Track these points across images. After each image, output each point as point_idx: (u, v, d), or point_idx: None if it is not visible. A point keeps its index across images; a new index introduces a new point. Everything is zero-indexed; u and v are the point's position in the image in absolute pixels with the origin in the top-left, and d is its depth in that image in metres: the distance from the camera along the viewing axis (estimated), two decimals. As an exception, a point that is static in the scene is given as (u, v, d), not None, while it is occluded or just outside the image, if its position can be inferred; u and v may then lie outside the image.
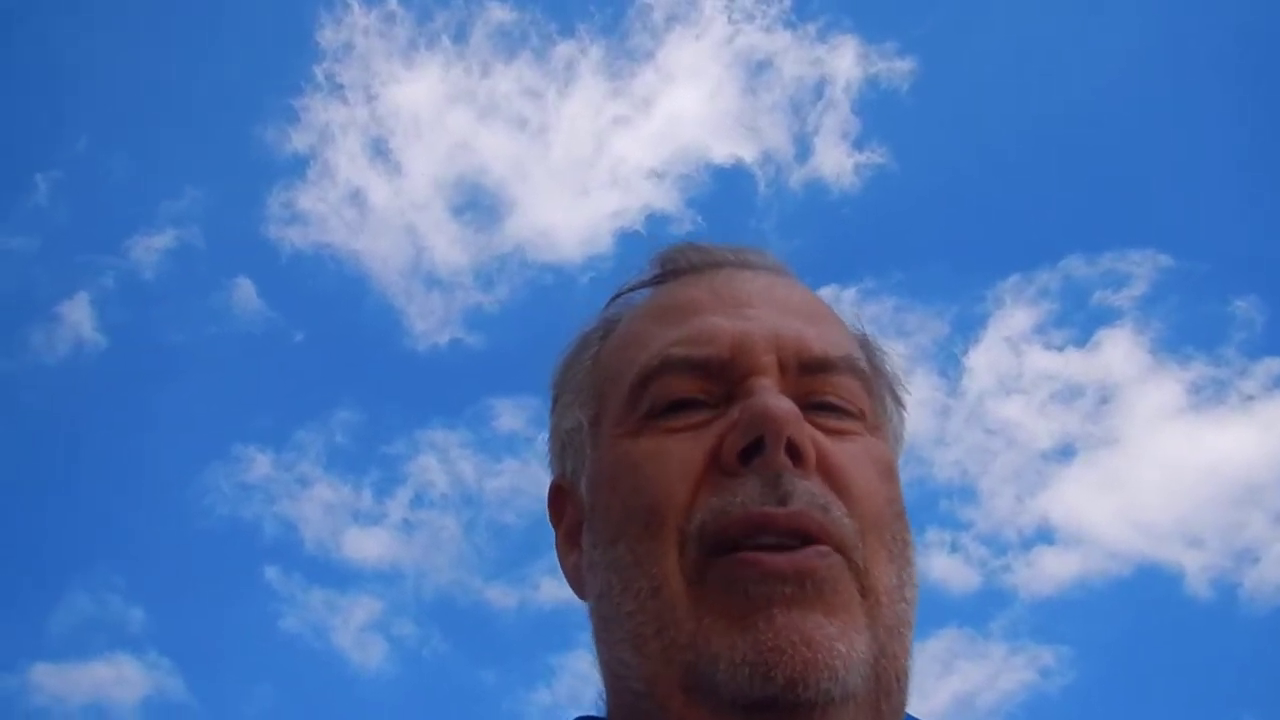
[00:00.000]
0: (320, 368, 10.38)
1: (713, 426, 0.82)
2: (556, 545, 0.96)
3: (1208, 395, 9.05)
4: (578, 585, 0.91)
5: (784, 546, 0.77)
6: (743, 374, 0.83)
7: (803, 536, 0.77)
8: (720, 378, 0.84)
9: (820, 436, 0.82)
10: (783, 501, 0.77)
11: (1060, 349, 9.44)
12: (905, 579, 0.82)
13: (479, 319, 9.94)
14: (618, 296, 0.99)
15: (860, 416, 0.86)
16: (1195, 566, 8.65)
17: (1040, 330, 9.39)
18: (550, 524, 0.97)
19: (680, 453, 0.81)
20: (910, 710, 0.82)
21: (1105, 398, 9.24)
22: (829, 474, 0.80)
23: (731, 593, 0.75)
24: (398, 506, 9.60)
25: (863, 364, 0.89)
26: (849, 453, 0.83)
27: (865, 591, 0.78)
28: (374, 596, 9.40)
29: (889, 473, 0.86)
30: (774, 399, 0.80)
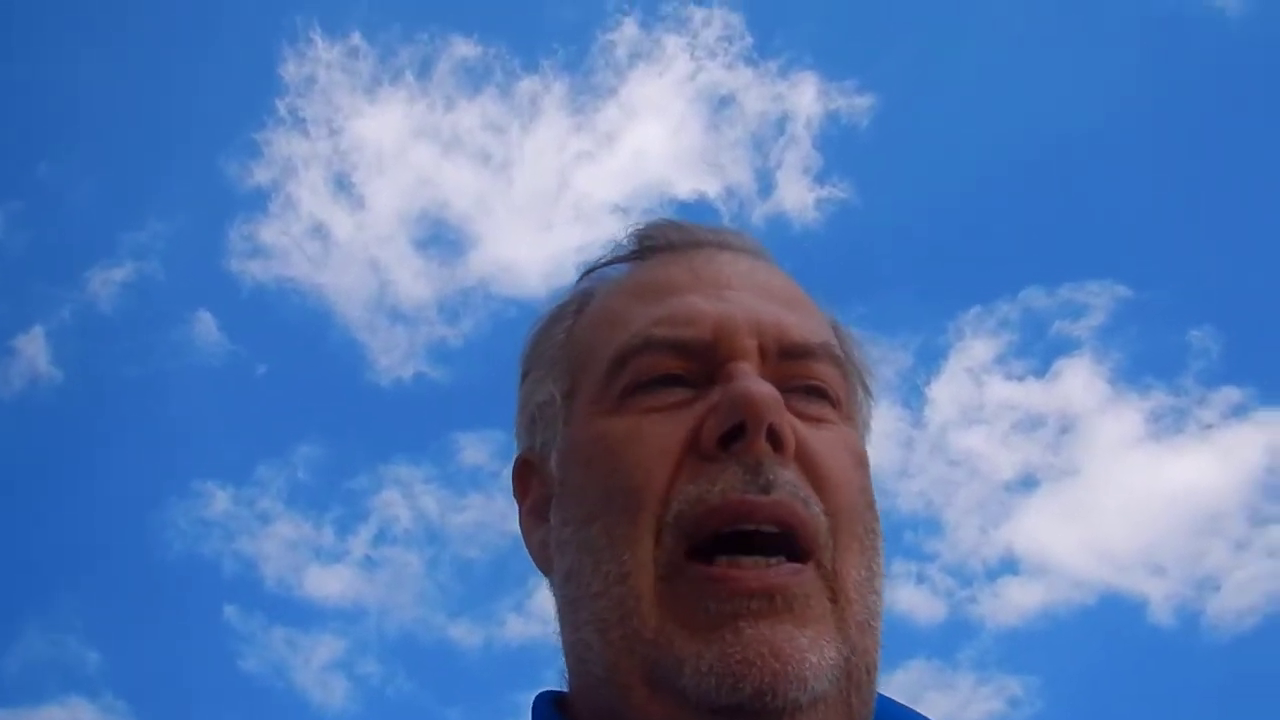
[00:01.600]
0: (282, 402, 10.26)
1: (692, 408, 0.81)
2: (520, 520, 0.95)
3: (1167, 424, 9.17)
4: (543, 561, 0.90)
5: (761, 535, 0.77)
6: (724, 357, 0.83)
7: (782, 527, 0.77)
8: (701, 360, 0.83)
9: (799, 424, 0.81)
10: (765, 490, 0.77)
11: (1020, 379, 9.54)
12: (875, 570, 0.82)
13: (443, 353, 9.88)
14: (592, 270, 0.97)
15: (837, 404, 0.86)
16: (1158, 595, 8.74)
17: (1001, 361, 9.49)
18: (514, 498, 0.96)
19: (658, 435, 0.80)
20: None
21: (1066, 427, 9.34)
22: (806, 462, 0.80)
23: (699, 601, 0.75)
24: (360, 543, 9.48)
25: (839, 351, 0.89)
26: (826, 441, 0.83)
27: (835, 595, 0.78)
28: (336, 635, 9.27)
29: (862, 462, 0.86)
30: (756, 384, 0.79)
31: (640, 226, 0.97)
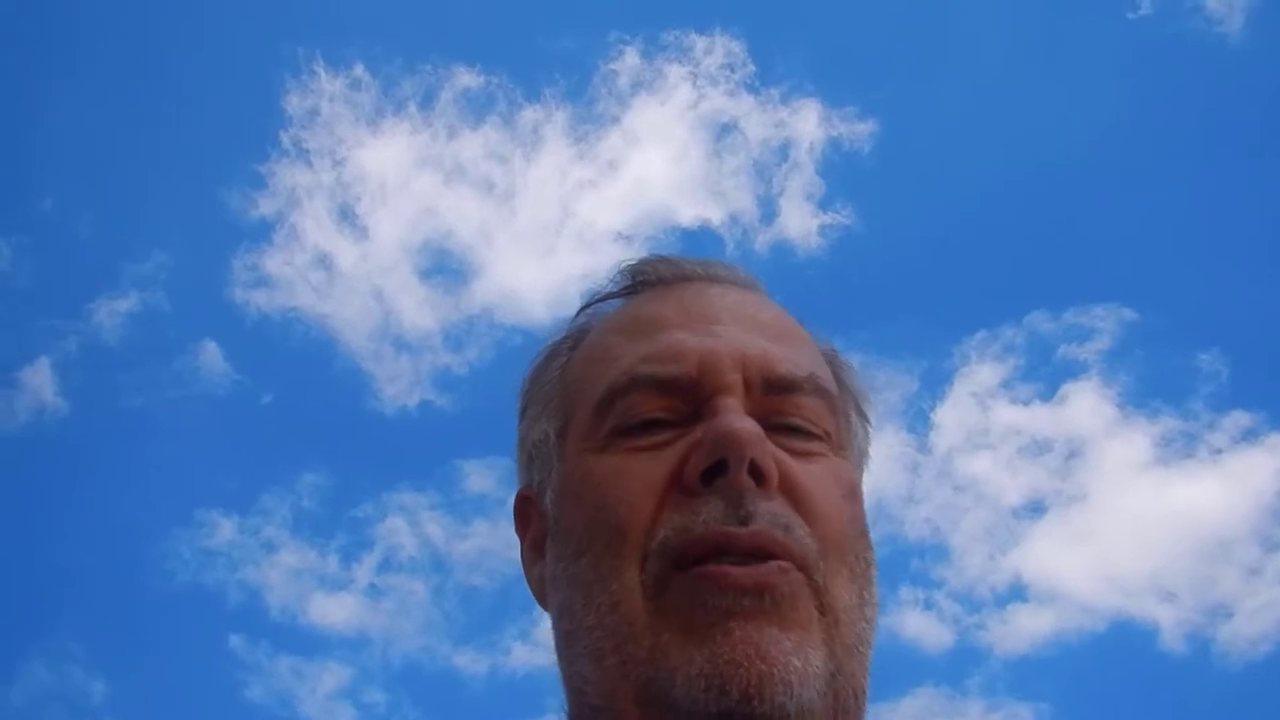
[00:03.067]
0: (287, 431, 10.27)
1: (676, 446, 0.82)
2: (522, 555, 0.96)
3: (1176, 449, 9.11)
4: (542, 597, 0.91)
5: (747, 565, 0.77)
6: (709, 393, 0.83)
7: (764, 556, 0.77)
8: (686, 396, 0.84)
9: (784, 456, 0.82)
10: (744, 522, 0.77)
11: (1026, 403, 9.49)
12: (866, 598, 0.82)
13: (447, 381, 9.89)
14: (586, 306, 0.99)
15: (824, 437, 0.86)
16: (1170, 621, 8.65)
17: (1007, 385, 9.45)
18: (516, 534, 0.98)
19: (643, 472, 0.81)
20: None
21: (1073, 452, 9.28)
22: (792, 494, 0.81)
23: (692, 605, 0.76)
24: (365, 571, 9.47)
25: (827, 383, 0.89)
26: (812, 473, 0.83)
27: (824, 609, 0.78)
28: (342, 663, 9.24)
29: (852, 492, 0.86)
30: (738, 420, 0.80)
31: (633, 262, 0.98)
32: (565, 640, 0.83)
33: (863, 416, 0.97)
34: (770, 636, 0.74)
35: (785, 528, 0.78)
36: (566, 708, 0.86)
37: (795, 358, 0.88)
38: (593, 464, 0.84)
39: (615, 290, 0.98)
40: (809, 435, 0.85)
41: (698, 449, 0.80)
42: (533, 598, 0.94)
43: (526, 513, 0.96)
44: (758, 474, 0.79)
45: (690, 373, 0.84)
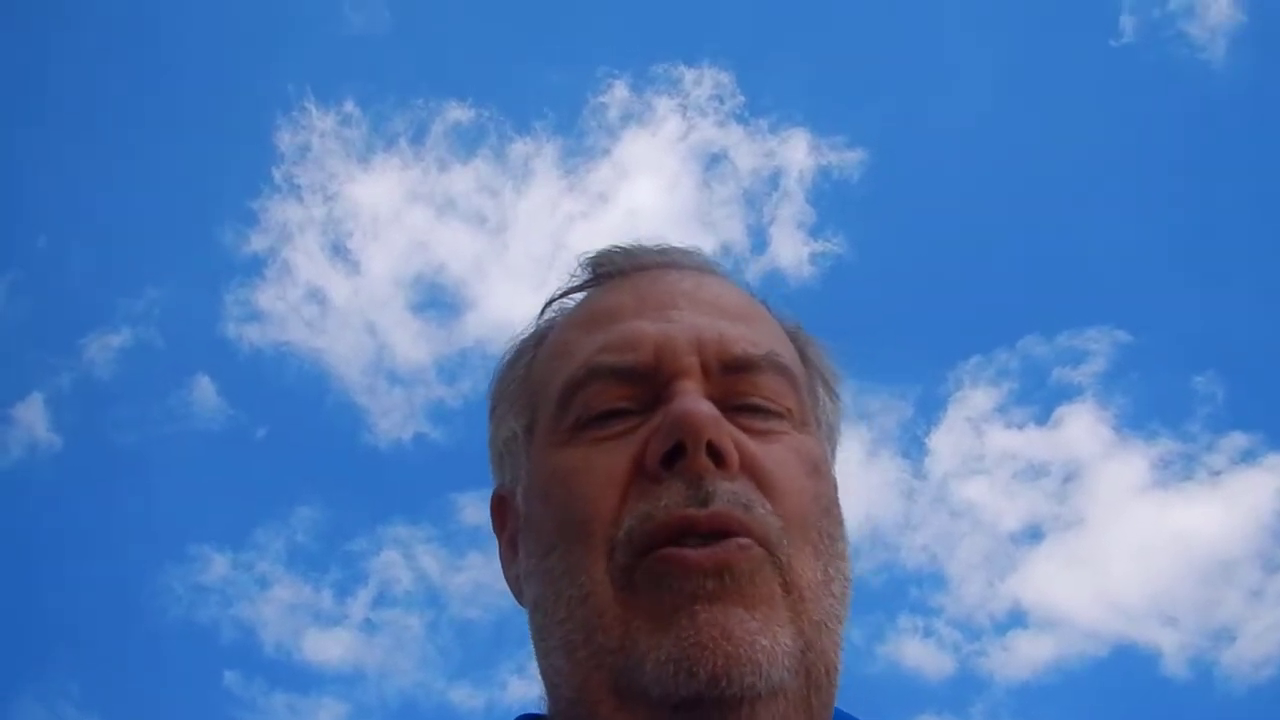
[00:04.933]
0: (281, 465, 10.24)
1: (638, 433, 0.82)
2: (500, 554, 0.97)
3: (1175, 471, 9.07)
4: (519, 594, 0.92)
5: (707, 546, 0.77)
6: (667, 378, 0.84)
7: (724, 535, 0.77)
8: (646, 383, 0.84)
9: (742, 437, 0.82)
10: (704, 503, 0.78)
11: (1021, 427, 9.48)
12: (833, 573, 0.82)
13: (441, 414, 9.87)
14: (551, 303, 0.99)
15: (786, 414, 0.86)
16: (1172, 646, 8.60)
17: (1002, 410, 9.43)
18: (494, 533, 0.98)
19: (606, 462, 0.82)
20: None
21: (1070, 476, 9.25)
22: (753, 473, 0.81)
23: (658, 590, 0.76)
24: (360, 606, 9.41)
25: (786, 360, 0.89)
26: (773, 453, 0.83)
27: (788, 587, 0.78)
28: (337, 699, 9.17)
29: (816, 469, 0.86)
30: (693, 403, 0.80)
31: (592, 254, 0.99)
32: (539, 635, 0.84)
33: (831, 392, 0.97)
34: (735, 617, 0.74)
35: (745, 506, 0.78)
36: (545, 698, 0.86)
37: (752, 336, 0.88)
38: (558, 458, 0.85)
39: (576, 284, 0.98)
40: (769, 414, 0.85)
41: (656, 434, 0.80)
42: (522, 616, 0.93)
43: (502, 512, 0.96)
44: (716, 455, 0.79)
45: (647, 360, 0.84)
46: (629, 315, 0.88)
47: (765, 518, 0.79)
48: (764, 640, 0.74)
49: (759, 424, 0.84)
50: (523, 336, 0.99)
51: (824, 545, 0.82)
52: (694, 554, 0.76)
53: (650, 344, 0.85)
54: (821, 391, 0.95)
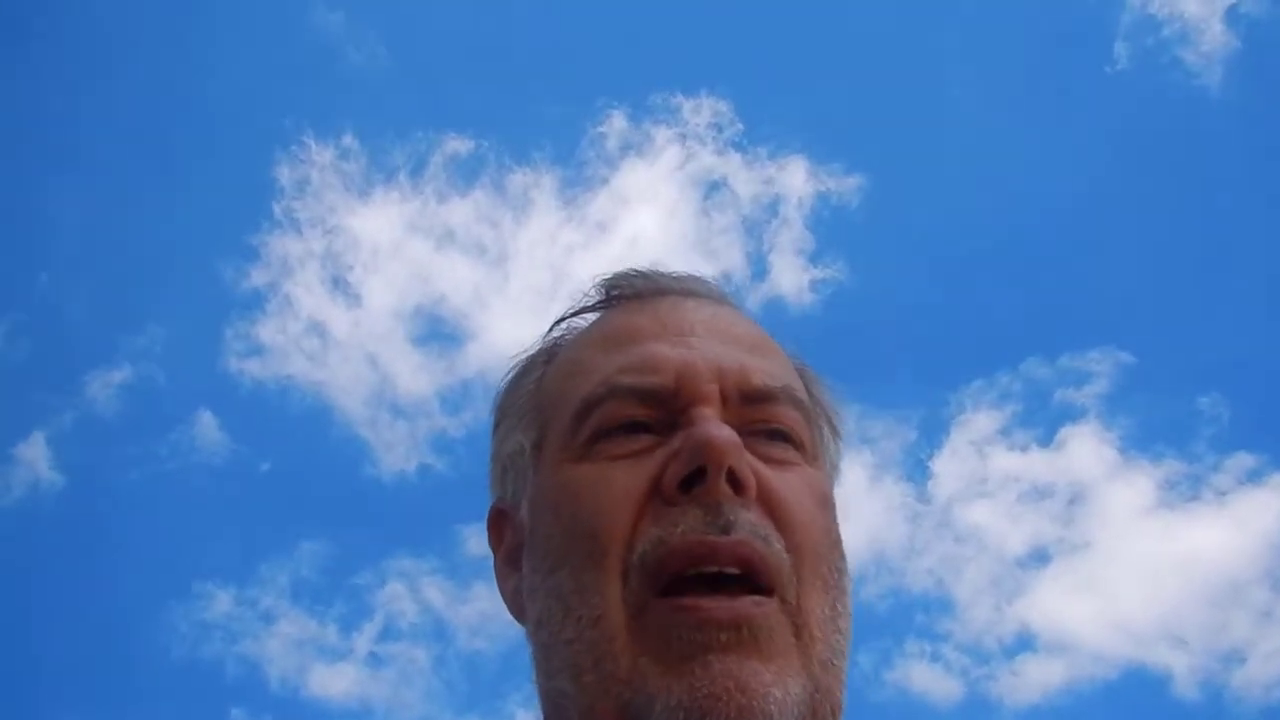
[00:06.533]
0: (285, 499, 10.21)
1: (655, 455, 0.82)
2: (495, 568, 0.96)
3: (1181, 492, 9.08)
4: (517, 609, 0.91)
5: (724, 578, 0.77)
6: (686, 403, 0.84)
7: (744, 566, 0.77)
8: (664, 406, 0.84)
9: (760, 466, 0.82)
10: (725, 530, 0.78)
11: (1024, 450, 9.47)
12: (840, 609, 0.83)
13: (444, 445, 9.86)
14: (561, 321, 0.99)
15: (800, 447, 0.87)
16: (1182, 668, 8.57)
17: (1005, 432, 9.43)
18: (490, 547, 0.97)
19: (622, 480, 0.81)
20: None
21: (1075, 498, 9.24)
22: (769, 504, 0.81)
23: (669, 636, 0.76)
24: (365, 640, 9.36)
25: (802, 395, 0.90)
26: (788, 483, 0.83)
27: (799, 631, 0.78)
28: (343, 734, 9.08)
29: (826, 503, 0.86)
30: (716, 428, 0.80)
31: (607, 276, 0.98)
32: (543, 654, 0.83)
33: (834, 430, 0.97)
34: (750, 669, 0.74)
35: (765, 539, 0.79)
36: (542, 717, 0.85)
37: (771, 369, 0.88)
38: (571, 474, 0.84)
39: (590, 304, 0.98)
40: (785, 444, 0.86)
41: (676, 457, 0.80)
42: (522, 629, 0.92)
43: (500, 526, 0.96)
44: (736, 482, 0.79)
45: (668, 384, 0.84)
46: (648, 338, 0.88)
47: (780, 554, 0.79)
48: (777, 692, 0.74)
49: (776, 452, 0.85)
50: (531, 352, 0.99)
51: (832, 580, 0.82)
52: (710, 604, 0.76)
53: (671, 368, 0.85)
54: (826, 430, 0.96)
